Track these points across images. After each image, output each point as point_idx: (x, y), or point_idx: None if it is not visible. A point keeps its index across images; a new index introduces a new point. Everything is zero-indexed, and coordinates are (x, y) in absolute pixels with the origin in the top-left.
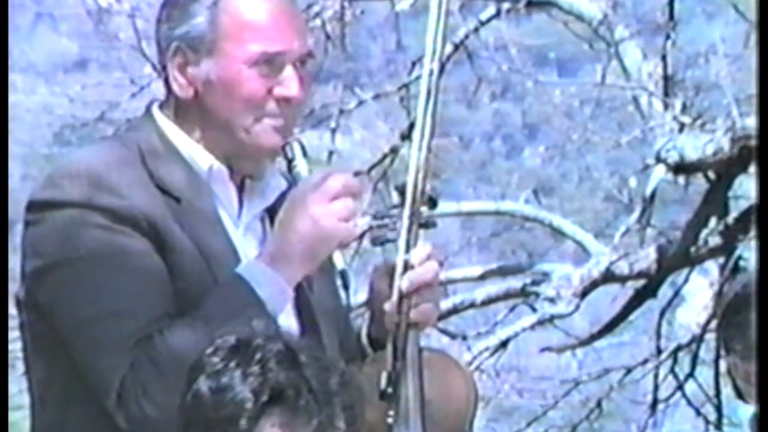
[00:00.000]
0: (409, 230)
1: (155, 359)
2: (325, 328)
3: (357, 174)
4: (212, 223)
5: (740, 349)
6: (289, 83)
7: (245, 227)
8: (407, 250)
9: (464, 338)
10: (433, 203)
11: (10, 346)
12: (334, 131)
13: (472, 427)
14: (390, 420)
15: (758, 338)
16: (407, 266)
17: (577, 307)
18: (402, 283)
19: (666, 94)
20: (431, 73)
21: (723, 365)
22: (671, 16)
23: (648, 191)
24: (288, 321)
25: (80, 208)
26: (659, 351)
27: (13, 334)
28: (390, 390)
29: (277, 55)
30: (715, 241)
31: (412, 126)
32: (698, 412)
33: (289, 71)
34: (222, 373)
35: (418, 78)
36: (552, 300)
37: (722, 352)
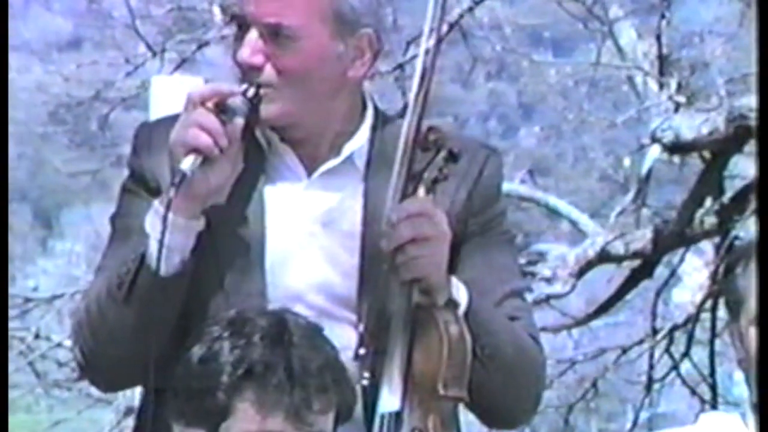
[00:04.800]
0: (396, 184)
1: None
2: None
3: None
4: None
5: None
6: (244, 47)
7: (324, 178)
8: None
9: None
10: (453, 157)
11: (11, 353)
12: None
13: (450, 389)
14: (365, 382)
15: (759, 339)
16: (390, 224)
17: (573, 287)
18: (382, 242)
19: (661, 73)
20: (427, 51)
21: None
22: None
23: (643, 171)
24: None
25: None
26: (655, 331)
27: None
28: (362, 351)
29: (241, 18)
30: (711, 220)
31: (406, 106)
32: (693, 392)
33: (251, 35)
34: (213, 344)
35: (413, 58)
36: (548, 280)
37: (729, 318)
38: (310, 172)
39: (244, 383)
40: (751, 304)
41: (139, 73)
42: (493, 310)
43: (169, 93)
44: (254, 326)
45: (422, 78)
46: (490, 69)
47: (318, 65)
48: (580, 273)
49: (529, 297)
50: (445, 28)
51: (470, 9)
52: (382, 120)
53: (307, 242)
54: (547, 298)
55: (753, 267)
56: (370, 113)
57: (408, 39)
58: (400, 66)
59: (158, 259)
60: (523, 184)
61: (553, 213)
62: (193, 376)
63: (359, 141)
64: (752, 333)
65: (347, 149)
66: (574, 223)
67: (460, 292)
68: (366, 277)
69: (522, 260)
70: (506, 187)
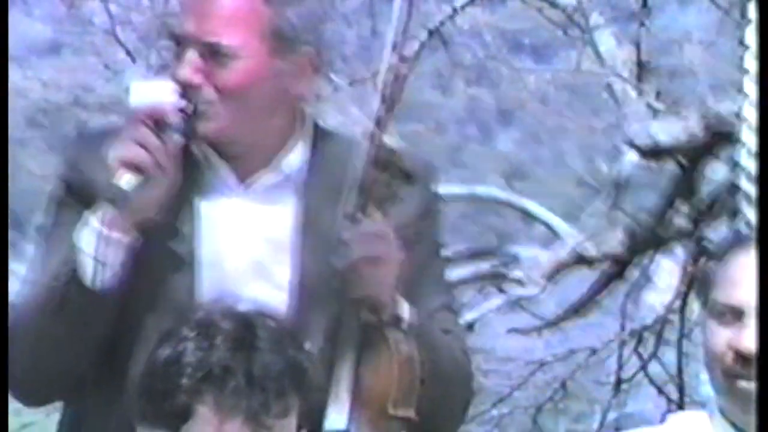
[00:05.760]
0: (349, 202)
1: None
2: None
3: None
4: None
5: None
6: (183, 66)
7: (259, 193)
8: (348, 225)
9: None
10: (407, 177)
11: None
12: None
13: (399, 408)
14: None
15: (759, 342)
16: (342, 242)
17: (545, 288)
18: (334, 261)
19: (640, 80)
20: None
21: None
22: (645, 3)
23: (620, 176)
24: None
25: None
26: (624, 331)
27: None
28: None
29: (180, 36)
30: (683, 224)
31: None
32: (661, 392)
33: (190, 54)
34: (178, 345)
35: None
36: (520, 282)
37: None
38: (245, 186)
39: (203, 386)
40: (713, 298)
41: (118, 79)
42: (430, 325)
43: (148, 99)
44: (218, 328)
45: (382, 100)
46: (469, 75)
47: (258, 83)
48: (553, 275)
49: (502, 299)
50: (424, 34)
51: (451, 16)
52: (320, 136)
53: (241, 256)
54: (518, 300)
55: (726, 262)
56: (308, 129)
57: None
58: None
59: (94, 274)
60: (501, 189)
61: (528, 216)
62: (157, 377)
63: (296, 156)
64: (710, 326)
65: (284, 164)
66: (547, 226)
67: (403, 308)
68: (300, 291)
69: (495, 262)
70: (483, 191)
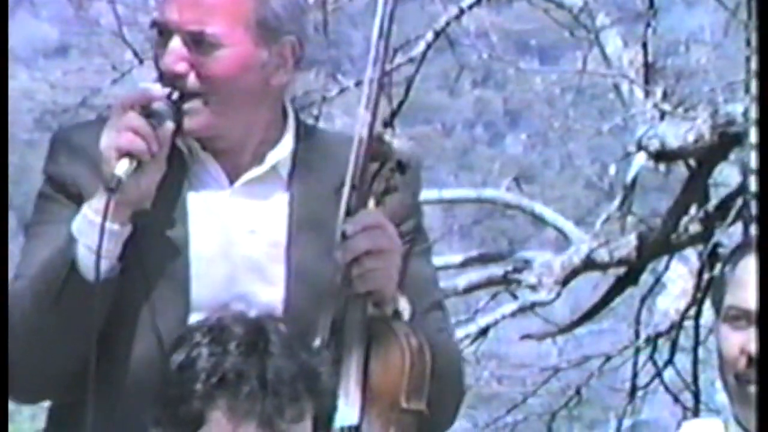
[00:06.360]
0: (350, 196)
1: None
2: (318, 304)
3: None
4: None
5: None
6: (167, 55)
7: (248, 188)
8: (345, 218)
9: None
10: (401, 168)
11: None
12: (316, 118)
13: (411, 401)
14: None
15: (759, 342)
16: (344, 236)
17: (559, 294)
18: (336, 254)
19: (647, 81)
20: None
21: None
22: (651, 4)
23: (629, 179)
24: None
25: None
26: (638, 338)
27: None
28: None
29: (164, 25)
30: (695, 228)
31: (393, 114)
32: (676, 399)
33: (174, 43)
34: (192, 351)
35: (399, 66)
36: (533, 287)
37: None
38: (232, 180)
39: (216, 392)
40: (726, 302)
41: (125, 80)
42: (426, 322)
43: None
44: (231, 334)
45: (371, 92)
46: (476, 76)
47: (242, 73)
48: (566, 280)
49: (514, 304)
50: (431, 35)
51: (457, 17)
52: (303, 130)
53: (232, 251)
54: (532, 306)
55: (740, 266)
56: (291, 122)
57: (395, 47)
58: (387, 73)
59: (96, 264)
60: (509, 191)
61: (539, 220)
62: (171, 383)
63: (283, 150)
64: (723, 330)
65: (271, 158)
66: (559, 231)
67: (403, 304)
68: (296, 287)
69: (508, 267)
70: (492, 194)
